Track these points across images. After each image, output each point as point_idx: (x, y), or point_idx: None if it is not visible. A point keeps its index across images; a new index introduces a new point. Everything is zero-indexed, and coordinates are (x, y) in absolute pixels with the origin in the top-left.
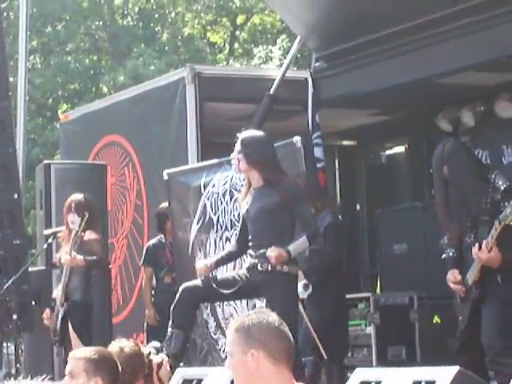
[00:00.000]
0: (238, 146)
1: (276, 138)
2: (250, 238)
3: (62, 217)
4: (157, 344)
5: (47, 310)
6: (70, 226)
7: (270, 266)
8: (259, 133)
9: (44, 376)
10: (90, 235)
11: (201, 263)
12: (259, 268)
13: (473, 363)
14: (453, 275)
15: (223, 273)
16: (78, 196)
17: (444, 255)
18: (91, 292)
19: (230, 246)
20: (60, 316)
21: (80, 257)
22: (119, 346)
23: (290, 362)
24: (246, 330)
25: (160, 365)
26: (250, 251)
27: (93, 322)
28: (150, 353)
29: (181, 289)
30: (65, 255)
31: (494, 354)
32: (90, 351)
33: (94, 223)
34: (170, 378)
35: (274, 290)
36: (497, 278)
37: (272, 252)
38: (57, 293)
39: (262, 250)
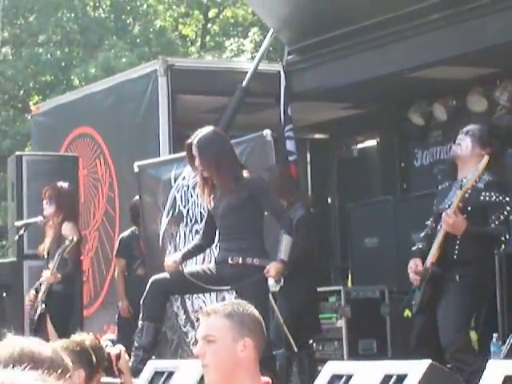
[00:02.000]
0: (196, 150)
1: (248, 131)
2: (218, 232)
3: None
4: (111, 336)
5: (32, 292)
6: (44, 212)
7: (240, 259)
8: (211, 134)
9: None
10: (66, 230)
11: (169, 259)
12: (229, 261)
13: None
14: (414, 263)
15: (192, 266)
16: (56, 186)
17: (414, 247)
18: (74, 283)
19: (196, 240)
20: (39, 311)
21: (59, 275)
22: (80, 339)
23: None
24: (241, 318)
25: (118, 356)
26: (220, 244)
27: (73, 313)
28: (106, 346)
29: (150, 281)
30: (47, 273)
31: (455, 351)
32: (71, 343)
33: (73, 215)
34: (129, 368)
35: (244, 283)
36: (455, 276)
37: (271, 272)
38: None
39: (232, 243)
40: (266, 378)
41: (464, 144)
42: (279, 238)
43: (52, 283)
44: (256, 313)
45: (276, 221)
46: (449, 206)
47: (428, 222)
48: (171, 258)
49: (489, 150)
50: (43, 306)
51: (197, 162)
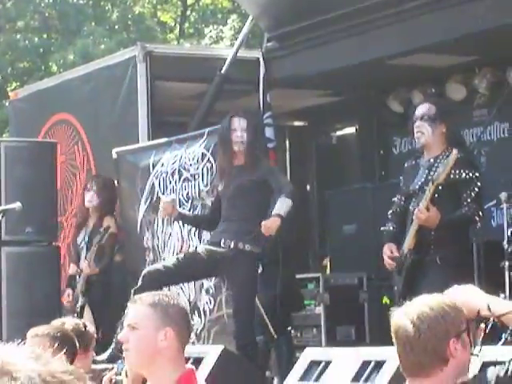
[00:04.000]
0: (244, 124)
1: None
2: (222, 213)
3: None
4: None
5: (69, 292)
6: (87, 204)
7: (232, 243)
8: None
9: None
10: (108, 223)
11: (167, 198)
12: (222, 244)
13: None
14: (390, 249)
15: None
16: (102, 178)
17: (383, 227)
18: (111, 270)
19: (202, 215)
20: (80, 304)
21: (96, 269)
22: (60, 323)
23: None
24: (164, 308)
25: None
26: (219, 225)
27: (112, 302)
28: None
29: (143, 274)
30: (85, 264)
31: None
32: (51, 329)
33: (113, 209)
34: None
35: (234, 267)
36: (435, 258)
37: (267, 223)
38: (73, 270)
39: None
40: (190, 366)
41: (425, 130)
42: (276, 200)
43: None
44: (182, 304)
45: (279, 191)
46: (419, 187)
47: (395, 199)
48: (170, 197)
49: (446, 124)
50: (83, 297)
51: (239, 136)
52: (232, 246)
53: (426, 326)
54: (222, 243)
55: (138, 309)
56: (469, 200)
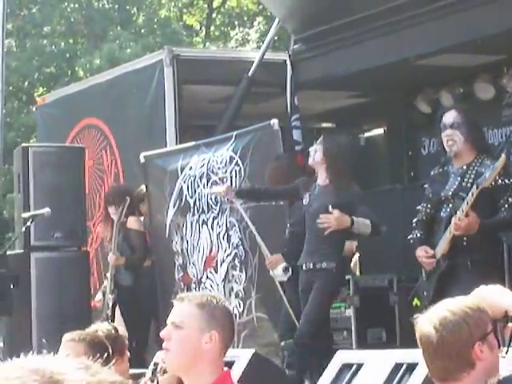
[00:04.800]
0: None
1: (254, 121)
2: (306, 228)
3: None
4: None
5: (100, 295)
6: (113, 217)
7: (311, 265)
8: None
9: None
10: (132, 223)
11: (218, 188)
12: (303, 268)
13: None
14: (424, 250)
15: None
16: (113, 187)
17: (410, 236)
18: (140, 278)
19: (262, 189)
20: (110, 303)
21: (122, 258)
22: (94, 330)
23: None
24: (212, 310)
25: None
26: (304, 246)
27: (141, 307)
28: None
29: None
30: (110, 253)
31: None
32: (84, 335)
33: (134, 209)
34: None
35: (314, 284)
36: (466, 261)
37: (335, 212)
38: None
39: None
40: (225, 369)
41: (457, 138)
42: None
43: (119, 278)
44: (228, 307)
45: None
46: (452, 193)
47: (419, 207)
48: (224, 186)
49: (475, 130)
50: (113, 296)
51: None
52: (311, 266)
53: (448, 332)
54: (303, 267)
55: (185, 308)
56: (506, 206)
